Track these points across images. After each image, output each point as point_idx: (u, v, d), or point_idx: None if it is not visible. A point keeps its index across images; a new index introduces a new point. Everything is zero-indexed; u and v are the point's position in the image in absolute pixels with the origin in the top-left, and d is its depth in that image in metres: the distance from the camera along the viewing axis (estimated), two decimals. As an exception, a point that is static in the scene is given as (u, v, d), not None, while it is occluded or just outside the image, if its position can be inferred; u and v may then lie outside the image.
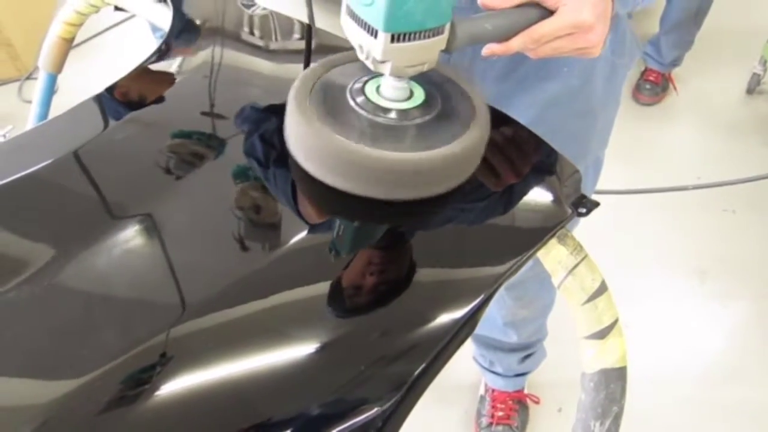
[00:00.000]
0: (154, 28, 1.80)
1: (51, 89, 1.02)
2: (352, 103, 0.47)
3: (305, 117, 0.46)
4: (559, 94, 0.73)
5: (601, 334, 0.50)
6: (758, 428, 1.40)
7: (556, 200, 0.53)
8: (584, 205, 0.53)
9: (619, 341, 0.50)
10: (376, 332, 0.44)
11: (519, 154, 0.56)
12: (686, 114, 2.24)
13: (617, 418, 0.50)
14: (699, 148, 2.12)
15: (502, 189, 0.54)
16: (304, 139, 0.46)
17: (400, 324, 0.44)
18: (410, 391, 0.40)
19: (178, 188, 0.52)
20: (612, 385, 0.50)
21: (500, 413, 1.28)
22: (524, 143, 0.57)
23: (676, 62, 2.24)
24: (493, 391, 1.31)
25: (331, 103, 0.47)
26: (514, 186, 0.55)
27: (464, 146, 0.46)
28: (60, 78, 1.02)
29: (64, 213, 0.51)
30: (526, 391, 1.34)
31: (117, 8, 0.91)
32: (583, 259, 0.51)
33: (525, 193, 0.54)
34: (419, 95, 0.49)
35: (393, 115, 0.47)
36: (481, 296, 0.44)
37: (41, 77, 1.01)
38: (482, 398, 1.34)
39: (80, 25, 0.95)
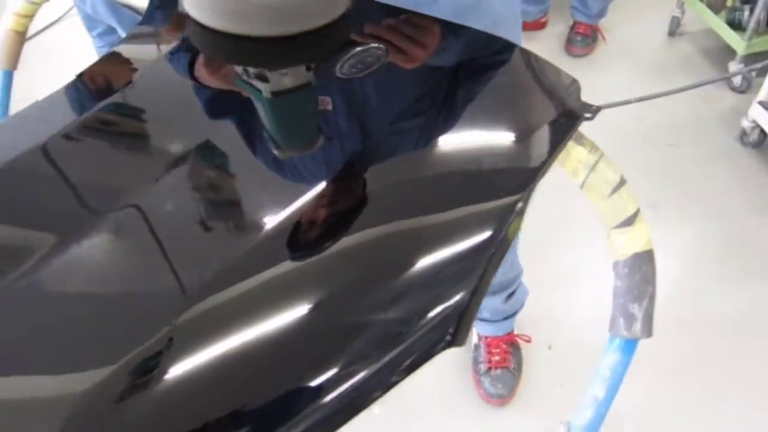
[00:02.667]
0: (91, 25, 1.72)
1: (8, 87, 0.97)
2: None
3: None
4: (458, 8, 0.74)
5: (629, 222, 0.53)
6: (721, 339, 1.51)
7: (565, 107, 0.56)
8: (589, 110, 0.56)
9: (644, 226, 0.54)
10: (437, 237, 0.46)
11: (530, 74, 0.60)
12: (617, 61, 2.35)
13: (652, 298, 0.54)
14: (634, 92, 2.23)
15: (520, 100, 0.56)
16: None
17: (454, 228, 0.46)
18: (479, 285, 0.43)
19: (150, 175, 0.52)
20: (644, 267, 0.53)
21: (496, 357, 1.33)
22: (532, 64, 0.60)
23: (602, 13, 2.35)
24: (486, 338, 1.36)
25: None
26: (525, 101, 0.58)
27: None
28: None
29: (44, 207, 0.50)
30: (516, 333, 1.39)
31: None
32: (601, 156, 0.54)
33: (537, 106, 0.57)
34: None
35: None
36: (524, 191, 0.47)
37: (-4, 76, 0.96)
38: (476, 347, 1.38)
39: (32, 15, 0.92)
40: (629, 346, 0.55)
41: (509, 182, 0.49)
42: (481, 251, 0.44)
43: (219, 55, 0.51)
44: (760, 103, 1.84)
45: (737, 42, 2.07)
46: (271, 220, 0.47)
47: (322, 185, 0.50)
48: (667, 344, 1.34)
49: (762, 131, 1.89)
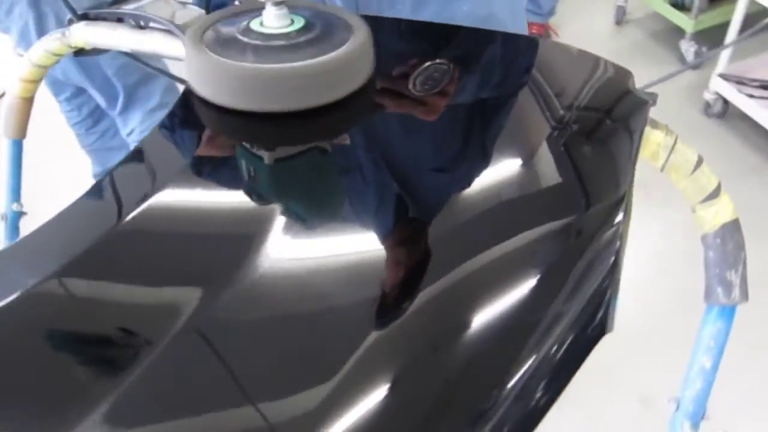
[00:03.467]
0: (58, 90, 1.68)
1: (19, 157, 0.94)
2: (239, 36, 0.51)
3: (199, 49, 0.49)
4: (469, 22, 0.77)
5: (714, 194, 0.56)
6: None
7: (633, 97, 0.59)
8: (650, 97, 0.59)
9: (728, 197, 0.57)
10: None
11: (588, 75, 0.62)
12: (573, 55, 2.44)
13: (745, 263, 0.57)
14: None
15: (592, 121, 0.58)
16: (198, 67, 0.50)
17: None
18: (616, 270, 0.44)
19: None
20: (735, 234, 0.56)
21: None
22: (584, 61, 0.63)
23: (552, 11, 2.44)
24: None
25: (221, 40, 0.51)
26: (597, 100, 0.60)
27: (346, 51, 0.49)
28: None
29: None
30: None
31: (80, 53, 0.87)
32: (677, 137, 0.57)
33: (604, 101, 0.60)
34: (299, 22, 0.52)
35: (277, 39, 0.50)
36: (627, 181, 0.49)
37: (5, 146, 0.93)
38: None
39: (40, 80, 0.89)
40: (729, 313, 0.58)
41: (612, 178, 0.51)
42: (611, 240, 0.46)
43: (226, 133, 0.52)
44: (720, 75, 1.94)
45: (684, 21, 2.18)
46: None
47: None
48: (675, 321, 1.38)
49: (724, 101, 1.99)
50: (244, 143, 0.51)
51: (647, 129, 0.56)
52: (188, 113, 0.57)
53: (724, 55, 1.93)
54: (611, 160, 0.53)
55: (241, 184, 0.50)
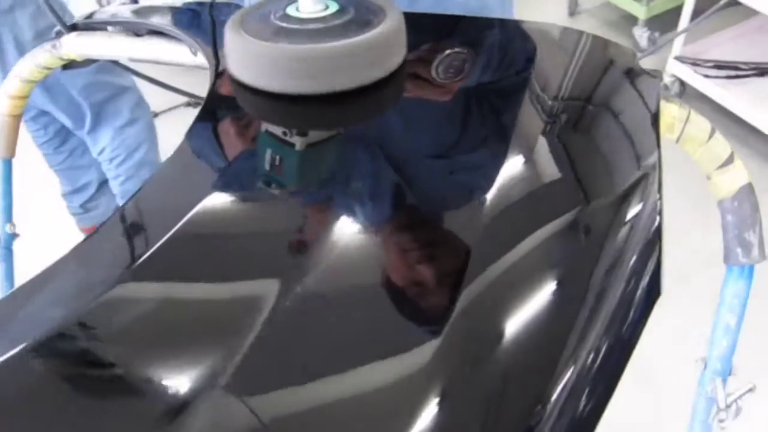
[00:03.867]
0: (34, 116, 1.62)
1: (9, 177, 0.91)
2: (277, 22, 0.52)
3: (237, 34, 0.50)
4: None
5: (729, 160, 0.59)
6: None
7: (644, 75, 0.61)
8: (656, 73, 0.62)
9: (741, 162, 0.60)
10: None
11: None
12: (532, 47, 2.50)
13: (761, 223, 0.60)
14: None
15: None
16: (241, 53, 0.51)
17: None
18: (660, 234, 0.46)
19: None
20: (751, 197, 0.59)
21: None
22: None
23: (509, 5, 2.49)
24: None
25: (258, 26, 0.52)
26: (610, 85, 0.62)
27: (380, 32, 0.50)
28: None
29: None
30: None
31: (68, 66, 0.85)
32: (690, 109, 0.60)
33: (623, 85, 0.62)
34: (333, 6, 0.54)
35: (314, 23, 0.52)
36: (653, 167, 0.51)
37: (-6, 167, 0.90)
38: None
39: (28, 96, 0.87)
40: (749, 272, 0.61)
41: (641, 153, 0.52)
42: (653, 210, 0.48)
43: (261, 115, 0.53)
44: (676, 58, 2.02)
45: (637, 8, 2.26)
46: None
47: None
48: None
49: (681, 83, 2.07)
50: (283, 129, 0.50)
51: (662, 103, 0.59)
52: (225, 109, 0.56)
53: (679, 38, 2.01)
54: (639, 137, 0.55)
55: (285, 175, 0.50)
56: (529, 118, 0.58)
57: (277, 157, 0.49)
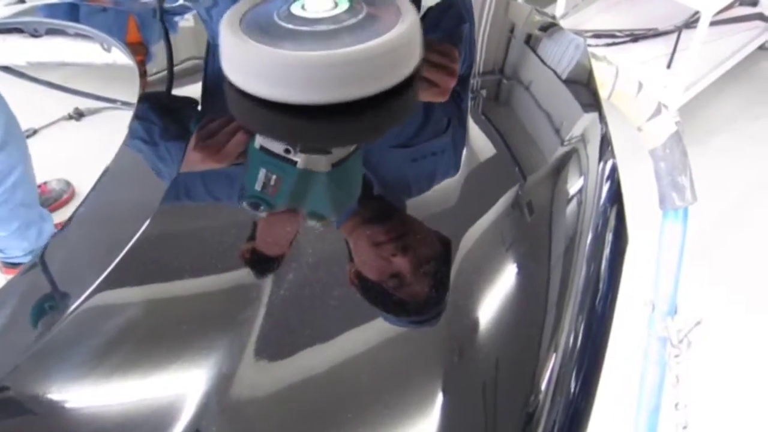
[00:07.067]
0: None
1: None
2: (280, 22, 0.47)
3: (239, 38, 0.45)
4: None
5: (658, 110, 0.62)
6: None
7: (571, 36, 0.63)
8: (579, 34, 0.64)
9: (667, 113, 0.63)
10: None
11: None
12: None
13: (691, 169, 0.64)
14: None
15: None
16: (240, 58, 0.46)
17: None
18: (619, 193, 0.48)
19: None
20: (680, 143, 0.63)
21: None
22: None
23: None
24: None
25: (261, 27, 0.47)
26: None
27: (398, 35, 0.46)
28: None
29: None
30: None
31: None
32: (618, 66, 0.62)
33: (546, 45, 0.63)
34: (343, 3, 0.49)
35: (321, 24, 0.47)
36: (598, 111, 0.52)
37: None
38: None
39: None
40: (684, 215, 0.65)
41: (585, 113, 0.53)
42: (612, 170, 0.49)
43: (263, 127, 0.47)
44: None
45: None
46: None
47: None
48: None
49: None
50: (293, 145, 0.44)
51: (593, 62, 0.61)
52: (164, 117, 0.51)
53: (558, 12, 2.12)
54: (580, 98, 0.57)
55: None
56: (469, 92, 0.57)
57: (273, 177, 0.43)
